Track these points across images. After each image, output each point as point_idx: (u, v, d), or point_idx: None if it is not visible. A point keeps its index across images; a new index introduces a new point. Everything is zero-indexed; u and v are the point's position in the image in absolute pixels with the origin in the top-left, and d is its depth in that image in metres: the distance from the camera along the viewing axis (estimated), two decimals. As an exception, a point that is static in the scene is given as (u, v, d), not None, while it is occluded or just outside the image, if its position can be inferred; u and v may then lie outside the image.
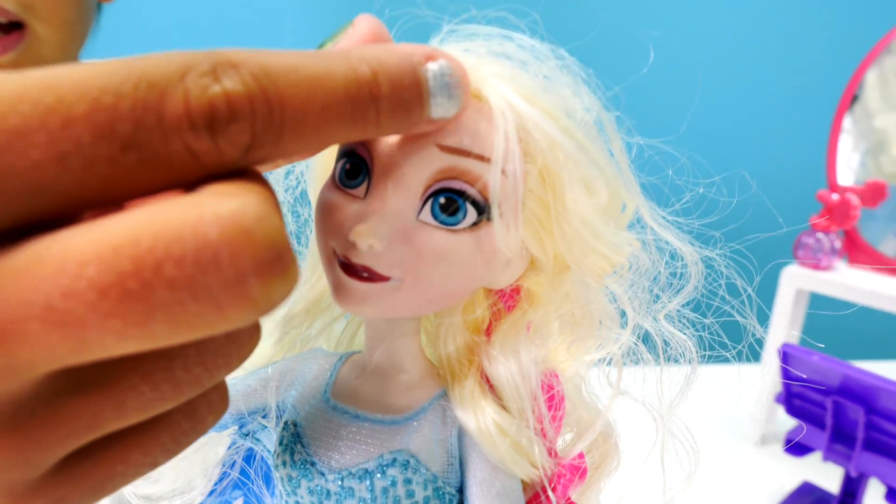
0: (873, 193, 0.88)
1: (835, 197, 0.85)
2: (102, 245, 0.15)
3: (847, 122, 0.96)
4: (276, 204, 0.18)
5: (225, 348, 0.20)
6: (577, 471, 0.31)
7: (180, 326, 0.16)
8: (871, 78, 0.97)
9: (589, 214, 0.28)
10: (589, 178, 0.28)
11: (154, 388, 0.19)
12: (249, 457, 0.37)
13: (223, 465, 0.37)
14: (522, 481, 0.31)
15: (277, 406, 0.33)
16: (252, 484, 0.37)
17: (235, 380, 0.35)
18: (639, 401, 0.32)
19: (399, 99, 0.22)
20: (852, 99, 0.96)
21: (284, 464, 0.31)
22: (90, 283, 0.15)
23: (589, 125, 0.29)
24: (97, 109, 0.16)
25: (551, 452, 0.31)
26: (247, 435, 0.35)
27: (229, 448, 0.37)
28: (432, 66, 0.23)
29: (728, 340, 0.33)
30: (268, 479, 0.36)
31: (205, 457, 0.40)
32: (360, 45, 0.23)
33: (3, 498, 0.19)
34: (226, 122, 0.17)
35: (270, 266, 0.16)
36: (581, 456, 0.32)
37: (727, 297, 0.33)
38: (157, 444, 0.21)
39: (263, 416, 0.34)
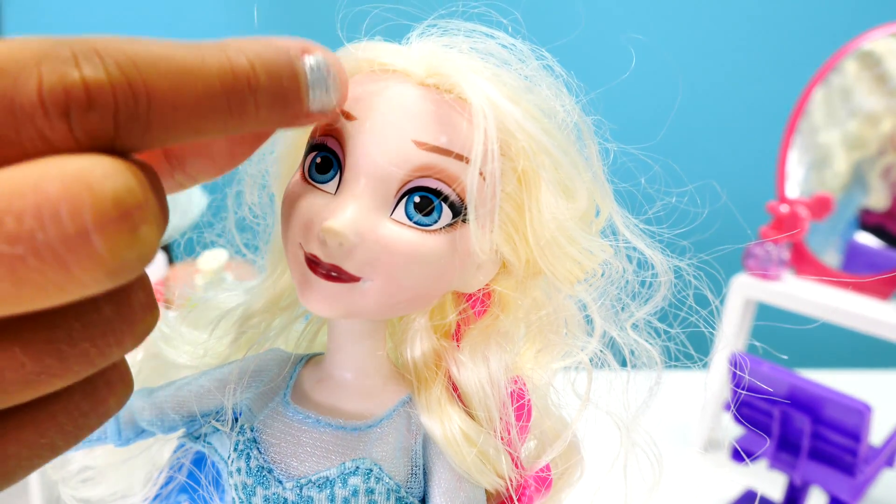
0: (820, 206, 0.90)
1: (784, 209, 0.87)
2: None
3: (795, 136, 0.99)
4: (137, 171, 0.17)
5: (115, 324, 0.19)
6: (543, 482, 0.31)
7: (26, 285, 0.16)
8: (819, 95, 0.99)
9: (565, 219, 0.28)
10: (568, 181, 0.28)
11: (36, 361, 0.18)
12: (198, 460, 0.35)
13: (170, 469, 0.36)
14: (486, 491, 0.31)
15: (233, 409, 0.31)
16: (200, 489, 0.35)
17: (188, 379, 0.33)
18: (605, 411, 0.32)
19: (278, 91, 0.22)
20: (802, 114, 0.98)
21: (239, 470, 0.29)
22: None
23: (569, 128, 0.28)
24: None
25: (517, 462, 0.30)
26: (197, 438, 0.34)
27: (176, 451, 0.35)
28: (309, 60, 0.23)
29: (676, 347, 0.32)
30: (217, 484, 0.35)
31: (150, 460, 0.38)
32: (236, 39, 0.22)
33: None
34: (83, 110, 0.16)
35: (115, 223, 0.16)
36: (547, 467, 0.31)
37: (676, 304, 0.32)
38: (54, 424, 0.20)
39: (217, 419, 0.32)
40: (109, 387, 0.21)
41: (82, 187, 0.15)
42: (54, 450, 0.20)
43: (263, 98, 0.21)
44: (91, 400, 0.21)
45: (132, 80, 0.17)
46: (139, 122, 0.18)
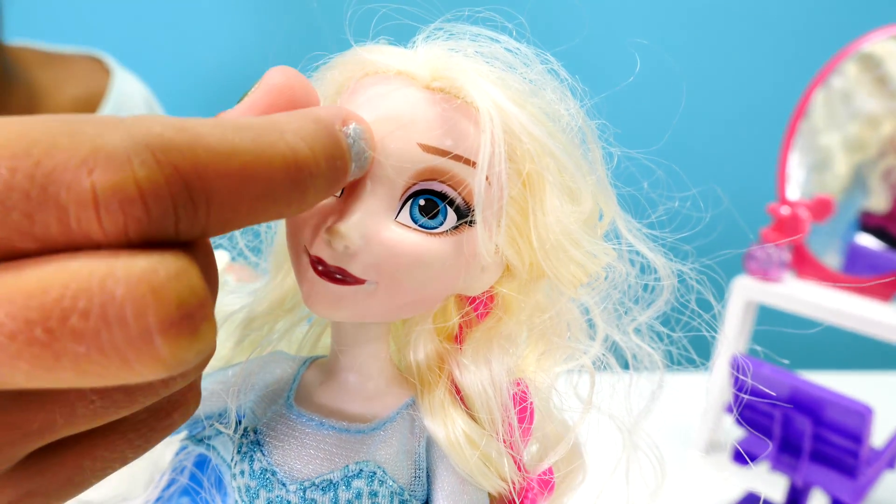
0: (821, 208, 0.91)
1: (785, 210, 0.87)
2: (13, 289, 0.15)
3: (795, 138, 0.99)
4: (197, 266, 0.17)
5: None
6: (546, 485, 0.31)
7: (88, 375, 0.16)
8: (819, 97, 0.99)
9: (569, 222, 0.28)
10: (572, 184, 0.28)
11: (104, 398, 0.18)
12: (201, 462, 0.35)
13: (172, 471, 0.36)
14: (489, 494, 0.31)
15: (236, 411, 0.31)
16: (203, 491, 0.35)
17: (190, 382, 0.33)
18: (607, 415, 0.32)
19: (332, 171, 0.22)
20: (802, 117, 0.99)
21: (243, 473, 0.29)
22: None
23: (574, 131, 0.28)
24: None
25: (519, 465, 0.31)
26: (200, 440, 0.34)
27: (178, 453, 0.35)
28: (347, 131, 0.23)
29: (677, 351, 0.32)
30: (220, 486, 0.35)
31: (152, 462, 0.38)
32: (286, 116, 0.21)
33: None
34: (137, 219, 0.16)
35: (178, 326, 0.16)
36: (550, 470, 0.31)
37: (678, 307, 0.32)
38: (124, 440, 0.21)
39: (220, 422, 0.32)
40: (173, 404, 0.22)
41: (147, 290, 0.15)
42: (124, 461, 0.22)
43: (322, 182, 0.21)
44: (157, 416, 0.22)
45: (191, 186, 0.17)
46: (198, 224, 0.17)
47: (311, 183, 0.20)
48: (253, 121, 0.20)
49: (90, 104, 0.88)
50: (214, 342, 0.17)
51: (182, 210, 0.17)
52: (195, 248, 0.18)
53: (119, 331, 0.15)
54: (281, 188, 0.19)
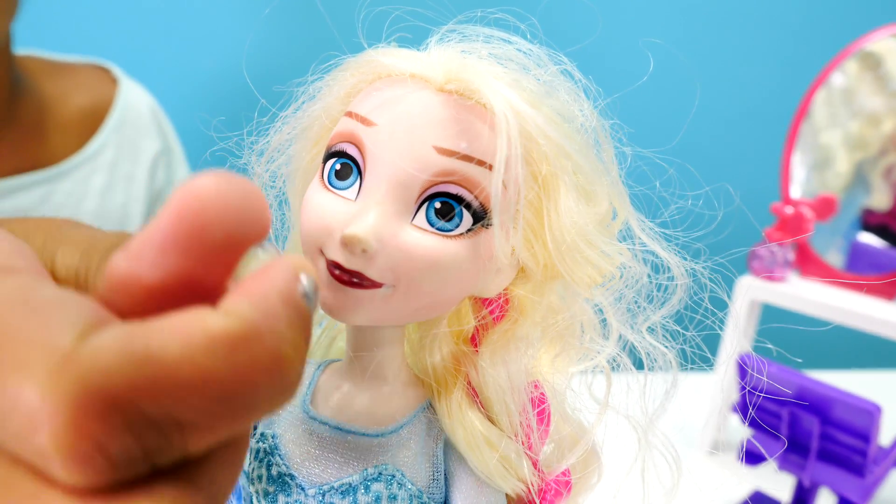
0: (825, 207, 0.91)
1: (789, 210, 0.87)
2: None
3: (798, 137, 0.99)
4: (186, 497, 0.16)
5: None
6: (565, 486, 0.31)
7: None
8: (821, 96, 0.99)
9: (584, 223, 0.28)
10: (587, 185, 0.28)
11: None
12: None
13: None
14: (507, 495, 0.31)
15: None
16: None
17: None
18: (622, 414, 0.32)
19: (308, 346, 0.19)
20: (805, 116, 0.99)
21: (260, 478, 0.29)
22: None
23: (588, 132, 0.28)
24: None
25: (537, 466, 0.30)
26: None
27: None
28: (303, 289, 0.18)
29: (688, 350, 0.32)
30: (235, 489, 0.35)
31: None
32: (256, 312, 0.16)
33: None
34: (100, 469, 0.15)
35: None
36: (566, 471, 0.31)
37: (691, 306, 0.32)
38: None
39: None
40: None
41: None
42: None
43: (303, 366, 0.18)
44: None
45: (160, 425, 0.15)
46: (173, 453, 0.16)
47: (297, 376, 0.17)
48: (223, 325, 0.15)
49: (97, 114, 0.87)
50: None
51: (154, 447, 0.15)
52: (201, 462, 0.17)
53: None
54: (265, 396, 0.16)
